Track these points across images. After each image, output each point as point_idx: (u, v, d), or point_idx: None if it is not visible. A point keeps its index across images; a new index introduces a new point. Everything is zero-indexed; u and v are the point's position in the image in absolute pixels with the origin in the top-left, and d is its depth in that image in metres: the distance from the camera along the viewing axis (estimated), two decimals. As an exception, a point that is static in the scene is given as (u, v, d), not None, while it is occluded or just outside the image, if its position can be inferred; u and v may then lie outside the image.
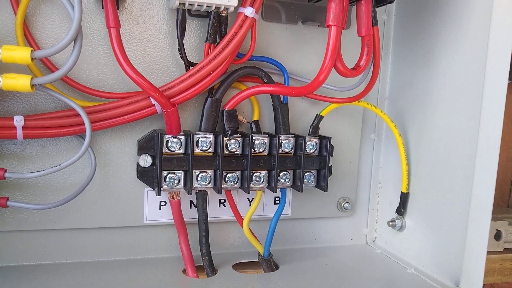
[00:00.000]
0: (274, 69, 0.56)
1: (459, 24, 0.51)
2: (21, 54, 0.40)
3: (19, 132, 0.43)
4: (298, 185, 0.54)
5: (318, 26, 0.57)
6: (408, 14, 0.60)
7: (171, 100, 0.48)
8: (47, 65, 0.47)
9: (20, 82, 0.41)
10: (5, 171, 0.43)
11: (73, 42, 0.42)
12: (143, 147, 0.50)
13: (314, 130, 0.56)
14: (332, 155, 0.56)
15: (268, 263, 0.55)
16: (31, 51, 0.41)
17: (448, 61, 0.53)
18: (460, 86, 0.51)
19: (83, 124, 0.45)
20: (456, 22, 0.51)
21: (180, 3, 0.46)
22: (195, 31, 0.53)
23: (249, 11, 0.47)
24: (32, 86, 0.41)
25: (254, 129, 0.55)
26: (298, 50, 0.57)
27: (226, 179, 0.52)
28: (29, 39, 0.46)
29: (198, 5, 0.47)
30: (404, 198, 0.58)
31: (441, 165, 0.53)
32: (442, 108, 0.54)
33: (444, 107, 0.53)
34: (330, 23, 0.45)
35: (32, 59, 0.41)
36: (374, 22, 0.48)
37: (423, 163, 0.56)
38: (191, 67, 0.50)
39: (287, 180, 0.54)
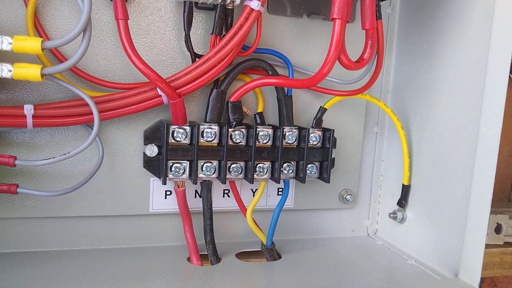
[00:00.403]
0: (279, 62, 0.56)
1: (462, 18, 0.51)
2: (32, 44, 0.41)
3: (29, 120, 0.44)
4: (301, 177, 0.55)
5: (323, 20, 0.58)
6: (412, 8, 0.60)
7: (177, 91, 0.49)
8: (57, 55, 0.48)
9: (30, 71, 0.41)
10: (15, 158, 0.44)
11: (82, 33, 0.43)
12: (150, 137, 0.51)
13: (318, 122, 0.57)
14: (335, 148, 0.57)
15: (271, 253, 0.56)
16: (42, 41, 0.41)
17: (451, 55, 0.53)
18: (462, 81, 0.51)
19: (91, 113, 0.46)
20: (459, 16, 0.52)
21: (187, -5, 0.47)
22: (201, 23, 0.53)
23: (255, 4, 0.48)
24: (42, 75, 0.42)
25: (258, 121, 0.55)
26: (303, 43, 0.58)
27: (231, 170, 0.53)
28: (39, 30, 0.47)
29: (205, -3, 0.48)
30: (405, 190, 0.59)
31: (442, 158, 0.54)
32: (444, 102, 0.54)
33: (446, 101, 0.54)
34: (335, 16, 0.45)
35: (42, 49, 0.41)
36: (378, 16, 0.49)
37: (424, 156, 0.57)
38: (197, 59, 0.50)
39: (290, 171, 0.55)
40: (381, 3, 0.50)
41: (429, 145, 0.56)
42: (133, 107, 0.49)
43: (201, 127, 0.51)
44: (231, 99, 0.52)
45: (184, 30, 0.50)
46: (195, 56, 0.51)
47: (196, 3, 0.51)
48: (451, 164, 0.52)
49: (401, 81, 0.62)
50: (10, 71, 0.41)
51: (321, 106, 0.57)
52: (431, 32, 0.56)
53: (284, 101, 0.55)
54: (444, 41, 0.54)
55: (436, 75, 0.55)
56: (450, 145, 0.53)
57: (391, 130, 0.64)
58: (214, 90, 0.52)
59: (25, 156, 0.49)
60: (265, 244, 0.56)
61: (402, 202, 0.59)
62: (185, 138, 0.51)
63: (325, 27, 0.58)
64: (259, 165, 0.53)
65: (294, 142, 0.55)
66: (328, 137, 0.56)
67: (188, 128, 0.51)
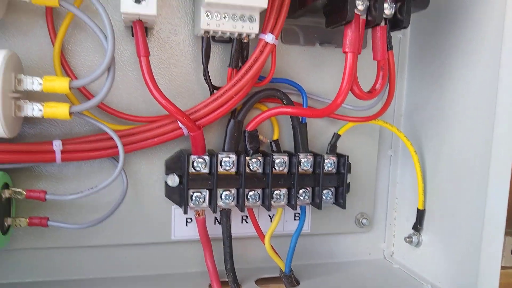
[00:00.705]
0: (293, 89, 0.58)
1: (472, 45, 0.53)
2: (61, 84, 0.44)
3: (58, 156, 0.47)
4: (317, 203, 0.56)
5: (335, 47, 0.60)
6: (423, 34, 0.61)
7: (196, 123, 0.51)
8: (82, 91, 0.50)
9: (59, 110, 0.44)
10: (46, 193, 0.46)
11: (107, 71, 0.45)
12: (171, 167, 0.53)
13: (332, 148, 0.58)
14: (350, 172, 0.58)
15: (289, 279, 0.57)
16: (69, 81, 0.44)
17: (462, 81, 0.54)
18: (474, 106, 0.52)
19: (116, 147, 0.48)
20: (469, 43, 0.53)
21: (205, 31, 0.49)
22: (218, 55, 0.55)
23: (269, 37, 0.50)
24: (70, 114, 0.44)
25: (275, 148, 0.57)
26: (316, 71, 0.60)
27: (248, 197, 0.54)
28: (65, 67, 0.50)
29: (222, 33, 0.50)
30: (420, 214, 0.59)
31: (456, 183, 0.55)
32: (456, 126, 0.55)
33: (459, 125, 0.55)
34: (347, 50, 0.47)
35: (70, 88, 0.44)
36: (389, 47, 0.50)
37: (438, 180, 0.58)
38: (215, 91, 0.52)
39: (307, 197, 0.56)
40: (392, 32, 0.51)
41: (442, 169, 0.57)
42: (155, 139, 0.51)
43: (220, 156, 0.52)
44: (248, 129, 0.54)
45: (203, 64, 0.52)
46: (213, 88, 0.53)
47: (213, 37, 0.53)
48: (465, 187, 0.53)
49: (413, 104, 0.63)
50: (41, 110, 0.44)
51: (335, 133, 0.59)
52: (442, 58, 0.58)
53: (299, 128, 0.57)
54: (455, 67, 0.55)
55: (448, 100, 0.56)
56: (463, 168, 0.54)
57: (404, 153, 0.64)
58: (232, 121, 0.54)
59: (53, 188, 0.51)
60: (283, 271, 0.57)
61: (417, 226, 0.60)
62: (205, 167, 0.52)
63: (337, 54, 0.60)
64: (276, 192, 0.55)
65: (309, 168, 0.56)
66: (343, 162, 0.57)
67: (207, 158, 0.52)
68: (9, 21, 0.48)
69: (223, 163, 0.53)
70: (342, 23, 0.47)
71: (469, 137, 0.53)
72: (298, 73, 0.59)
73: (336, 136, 0.58)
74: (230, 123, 0.54)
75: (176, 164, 0.53)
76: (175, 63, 0.54)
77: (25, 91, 0.44)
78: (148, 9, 0.44)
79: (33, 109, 0.44)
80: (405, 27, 0.49)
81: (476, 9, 0.52)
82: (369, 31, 0.50)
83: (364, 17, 0.48)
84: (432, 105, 0.59)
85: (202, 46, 0.52)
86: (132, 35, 0.50)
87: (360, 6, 0.46)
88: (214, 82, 0.54)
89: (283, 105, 0.55)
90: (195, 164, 0.52)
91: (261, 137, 0.57)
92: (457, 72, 0.55)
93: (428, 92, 0.60)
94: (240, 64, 0.53)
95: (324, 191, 0.57)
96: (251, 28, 0.49)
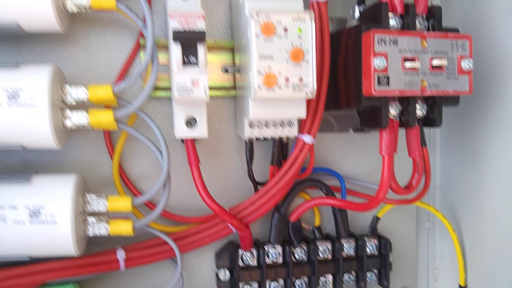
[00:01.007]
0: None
1: (503, 125, 0.55)
2: (123, 204, 0.48)
3: (122, 265, 0.51)
4: (362, 287, 0.58)
5: (367, 131, 0.63)
6: (453, 116, 0.63)
7: (243, 221, 0.54)
8: (141, 200, 0.54)
9: (124, 228, 0.48)
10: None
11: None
12: (221, 260, 0.57)
13: (373, 231, 0.61)
14: (391, 251, 0.61)
15: None
16: (131, 200, 0.49)
17: (498, 160, 0.56)
18: (510, 187, 0.54)
19: (172, 249, 0.52)
20: (499, 124, 0.55)
21: (248, 138, 0.54)
22: (260, 151, 0.59)
23: (307, 138, 0.53)
24: (133, 229, 0.49)
25: (317, 235, 0.60)
26: (352, 155, 0.63)
27: (296, 286, 0.57)
28: (124, 178, 0.54)
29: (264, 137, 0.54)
30: (463, 291, 0.61)
31: (498, 258, 0.56)
32: (495, 202, 0.57)
33: (497, 202, 0.56)
34: (383, 154, 0.50)
35: (132, 206, 0.49)
36: (423, 144, 0.53)
37: (479, 255, 0.59)
38: (259, 187, 0.56)
39: (351, 281, 0.59)
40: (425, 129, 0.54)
41: (483, 244, 0.59)
42: (207, 239, 0.55)
43: (266, 248, 0.56)
44: (291, 220, 0.57)
45: (247, 166, 0.56)
46: (257, 185, 0.57)
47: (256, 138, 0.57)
48: (507, 263, 0.54)
49: (449, 179, 0.65)
50: (107, 229, 0.48)
51: (374, 215, 0.61)
52: (473, 138, 0.60)
53: (340, 215, 0.60)
54: (488, 146, 0.57)
55: (485, 177, 0.58)
56: (504, 244, 0.55)
57: (442, 225, 0.66)
58: (276, 215, 0.57)
59: (117, 286, 0.55)
60: None
61: (461, 303, 0.61)
62: (253, 259, 0.56)
63: (370, 139, 0.63)
64: (321, 278, 0.58)
65: (352, 253, 0.59)
66: (384, 244, 0.60)
67: (255, 251, 0.56)
68: (69, 138, 0.53)
69: (269, 255, 0.56)
70: (376, 128, 0.50)
71: (509, 212, 0.55)
72: (334, 159, 0.62)
73: (376, 219, 0.61)
74: (275, 217, 0.57)
75: (226, 258, 0.57)
76: (222, 164, 0.58)
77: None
78: (200, 133, 0.49)
79: (100, 228, 0.48)
80: (437, 126, 0.51)
81: (503, 91, 0.55)
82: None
83: (397, 119, 0.51)
84: (468, 181, 0.61)
85: (246, 150, 0.55)
86: (182, 142, 0.54)
87: (393, 111, 0.50)
88: (256, 174, 0.57)
89: (324, 197, 0.59)
90: (243, 257, 0.56)
91: (303, 224, 0.60)
92: (490, 152, 0.57)
93: (462, 169, 0.62)
94: (281, 159, 0.56)
95: (368, 273, 0.59)
96: (290, 132, 0.53)
